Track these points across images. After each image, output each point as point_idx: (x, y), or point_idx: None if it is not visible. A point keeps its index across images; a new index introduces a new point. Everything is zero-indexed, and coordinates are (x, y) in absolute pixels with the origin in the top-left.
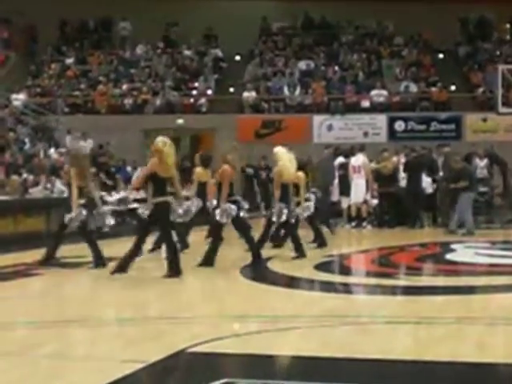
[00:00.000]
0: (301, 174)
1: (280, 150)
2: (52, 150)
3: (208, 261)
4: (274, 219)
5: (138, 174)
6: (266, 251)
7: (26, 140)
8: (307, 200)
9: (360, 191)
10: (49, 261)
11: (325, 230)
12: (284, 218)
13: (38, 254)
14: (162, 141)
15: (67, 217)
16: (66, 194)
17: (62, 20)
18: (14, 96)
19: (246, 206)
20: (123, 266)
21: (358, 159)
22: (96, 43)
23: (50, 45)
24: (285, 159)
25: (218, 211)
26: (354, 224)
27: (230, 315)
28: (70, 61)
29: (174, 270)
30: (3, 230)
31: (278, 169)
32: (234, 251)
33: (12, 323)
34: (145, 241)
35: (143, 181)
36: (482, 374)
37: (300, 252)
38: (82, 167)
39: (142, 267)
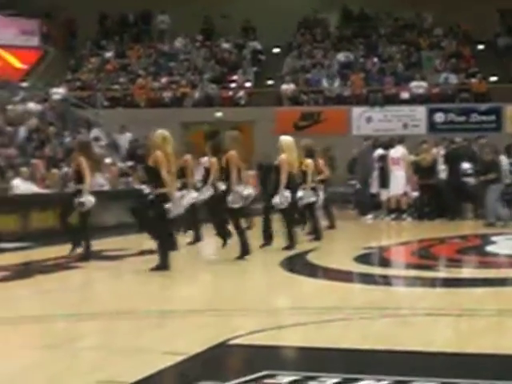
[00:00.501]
0: (309, 161)
1: (285, 141)
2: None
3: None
4: (276, 203)
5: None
6: (304, 244)
7: (66, 133)
8: (313, 189)
9: (399, 183)
10: (89, 255)
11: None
12: (285, 204)
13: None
14: (160, 135)
15: (76, 200)
16: (106, 187)
17: (101, 14)
18: (53, 90)
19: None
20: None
21: (397, 151)
22: (135, 37)
23: (90, 39)
24: (290, 149)
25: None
26: (393, 216)
27: (270, 308)
28: (109, 54)
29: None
30: (44, 223)
31: (284, 158)
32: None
33: (53, 316)
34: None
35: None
36: None
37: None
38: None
39: (183, 259)
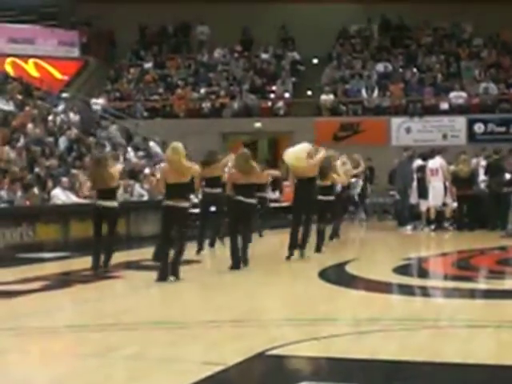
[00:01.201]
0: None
1: (287, 156)
2: (132, 154)
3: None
4: None
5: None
6: (342, 254)
7: (107, 143)
8: None
9: (438, 194)
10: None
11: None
12: None
13: (117, 257)
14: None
15: None
16: (145, 198)
17: (140, 25)
18: (93, 100)
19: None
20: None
21: (436, 162)
22: (174, 47)
23: (129, 49)
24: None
25: None
26: (433, 227)
27: (309, 318)
28: (148, 65)
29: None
30: (83, 233)
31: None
32: (312, 253)
33: (92, 325)
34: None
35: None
36: None
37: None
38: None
39: (222, 270)
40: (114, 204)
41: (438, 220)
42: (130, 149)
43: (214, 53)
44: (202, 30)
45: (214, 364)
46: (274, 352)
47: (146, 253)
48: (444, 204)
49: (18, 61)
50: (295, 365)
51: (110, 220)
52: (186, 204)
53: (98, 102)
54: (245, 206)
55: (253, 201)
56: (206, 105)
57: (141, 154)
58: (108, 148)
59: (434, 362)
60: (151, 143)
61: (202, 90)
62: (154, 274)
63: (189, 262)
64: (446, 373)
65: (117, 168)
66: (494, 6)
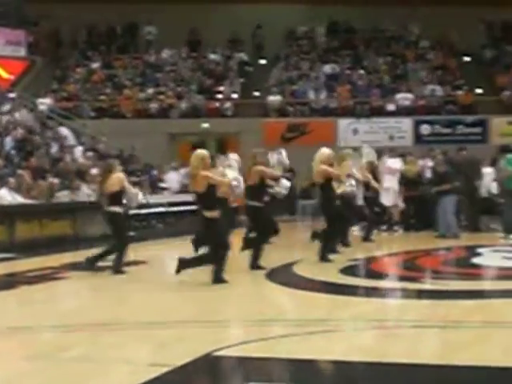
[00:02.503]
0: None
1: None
2: (78, 154)
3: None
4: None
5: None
6: (291, 255)
7: (53, 144)
8: None
9: (390, 195)
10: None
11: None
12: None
13: (64, 257)
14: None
15: None
16: (92, 198)
17: (88, 25)
18: (39, 100)
19: None
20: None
21: (396, 162)
22: (122, 47)
23: (76, 49)
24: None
25: None
26: (384, 228)
27: (257, 319)
28: (95, 65)
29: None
30: (30, 233)
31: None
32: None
33: (39, 327)
34: None
35: None
36: (508, 379)
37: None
38: None
39: (168, 271)
40: (117, 209)
41: (388, 221)
42: (77, 149)
43: (162, 53)
44: (149, 31)
45: (161, 365)
46: (222, 353)
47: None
48: (395, 205)
49: None
50: (242, 366)
51: (114, 224)
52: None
53: (45, 102)
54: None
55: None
56: (154, 105)
57: (89, 154)
58: (55, 148)
59: (381, 362)
60: (62, 128)
61: (150, 91)
62: (100, 275)
63: (136, 262)
64: (392, 373)
65: (119, 174)
66: (440, 8)
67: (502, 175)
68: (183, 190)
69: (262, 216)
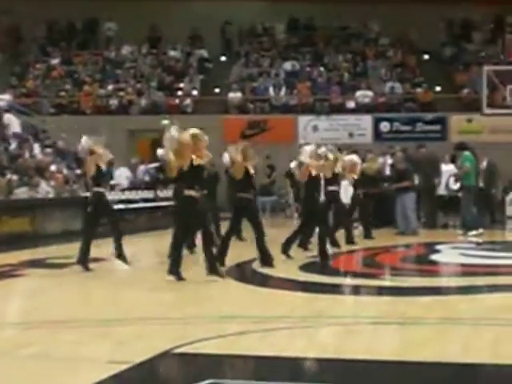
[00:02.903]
0: None
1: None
2: (37, 151)
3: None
4: None
5: None
6: (251, 252)
7: (11, 140)
8: None
9: (348, 192)
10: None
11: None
12: None
13: (22, 254)
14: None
15: None
16: (51, 195)
17: (48, 20)
18: None
19: None
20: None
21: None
22: (82, 44)
23: (36, 45)
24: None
25: None
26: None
27: (216, 316)
28: (55, 61)
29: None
30: None
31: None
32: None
33: None
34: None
35: None
36: (467, 375)
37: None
38: None
39: (127, 268)
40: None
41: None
42: (36, 145)
43: (122, 49)
44: (109, 27)
45: (119, 363)
46: (181, 350)
47: (52, 251)
48: None
49: None
50: (201, 362)
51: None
52: None
53: (4, 98)
54: None
55: None
56: (113, 102)
57: (47, 150)
58: (14, 145)
59: (339, 359)
60: (7, 115)
61: (110, 87)
62: (58, 272)
63: (96, 259)
64: (352, 369)
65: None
66: (400, 6)
67: (460, 172)
68: (132, 186)
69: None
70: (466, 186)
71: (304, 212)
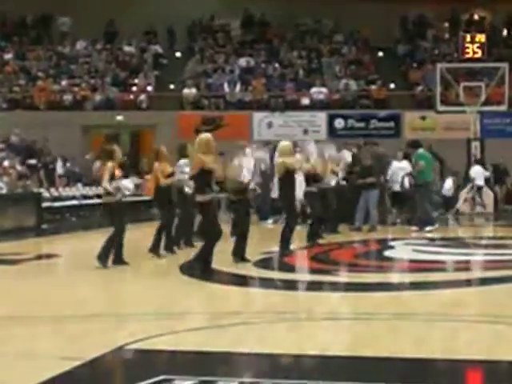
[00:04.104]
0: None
1: None
2: None
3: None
4: None
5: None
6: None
7: None
8: None
9: (301, 188)
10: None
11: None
12: None
13: None
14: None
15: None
16: (4, 191)
17: (0, 15)
18: None
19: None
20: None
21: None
22: (35, 39)
23: None
24: None
25: None
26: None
27: (169, 312)
28: (8, 56)
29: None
30: None
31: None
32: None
33: None
34: None
35: None
36: (419, 370)
37: None
38: None
39: (81, 264)
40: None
41: (302, 214)
42: None
43: (76, 45)
44: (63, 22)
45: (72, 359)
46: (133, 346)
47: (4, 247)
48: None
49: None
50: (154, 358)
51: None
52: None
53: None
54: None
55: None
56: (67, 97)
57: (0, 146)
58: None
59: (292, 354)
60: None
61: (64, 82)
62: (10, 268)
63: (49, 256)
64: (304, 365)
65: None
66: (354, 3)
67: (415, 170)
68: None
69: None
70: (421, 182)
71: (284, 208)
